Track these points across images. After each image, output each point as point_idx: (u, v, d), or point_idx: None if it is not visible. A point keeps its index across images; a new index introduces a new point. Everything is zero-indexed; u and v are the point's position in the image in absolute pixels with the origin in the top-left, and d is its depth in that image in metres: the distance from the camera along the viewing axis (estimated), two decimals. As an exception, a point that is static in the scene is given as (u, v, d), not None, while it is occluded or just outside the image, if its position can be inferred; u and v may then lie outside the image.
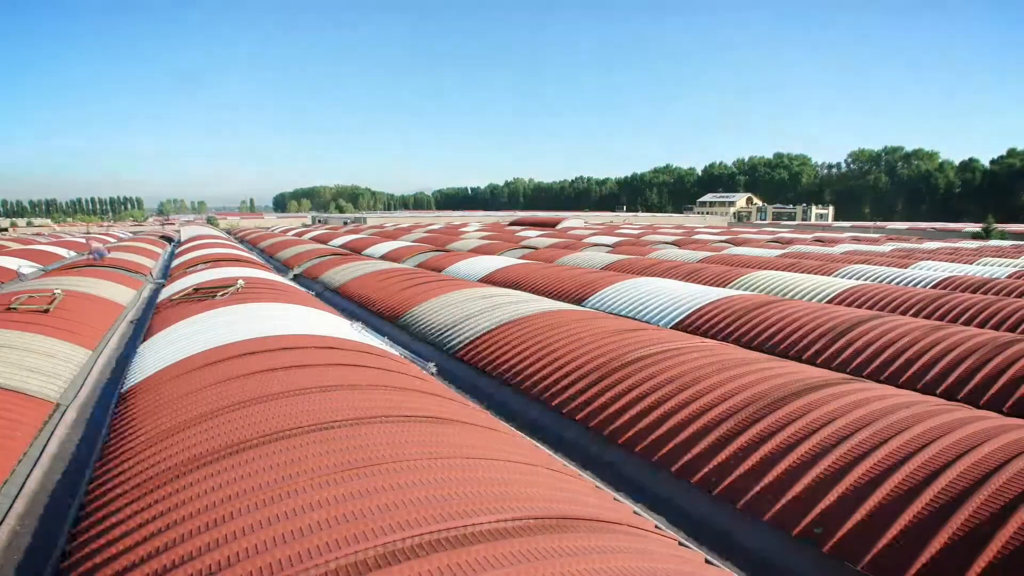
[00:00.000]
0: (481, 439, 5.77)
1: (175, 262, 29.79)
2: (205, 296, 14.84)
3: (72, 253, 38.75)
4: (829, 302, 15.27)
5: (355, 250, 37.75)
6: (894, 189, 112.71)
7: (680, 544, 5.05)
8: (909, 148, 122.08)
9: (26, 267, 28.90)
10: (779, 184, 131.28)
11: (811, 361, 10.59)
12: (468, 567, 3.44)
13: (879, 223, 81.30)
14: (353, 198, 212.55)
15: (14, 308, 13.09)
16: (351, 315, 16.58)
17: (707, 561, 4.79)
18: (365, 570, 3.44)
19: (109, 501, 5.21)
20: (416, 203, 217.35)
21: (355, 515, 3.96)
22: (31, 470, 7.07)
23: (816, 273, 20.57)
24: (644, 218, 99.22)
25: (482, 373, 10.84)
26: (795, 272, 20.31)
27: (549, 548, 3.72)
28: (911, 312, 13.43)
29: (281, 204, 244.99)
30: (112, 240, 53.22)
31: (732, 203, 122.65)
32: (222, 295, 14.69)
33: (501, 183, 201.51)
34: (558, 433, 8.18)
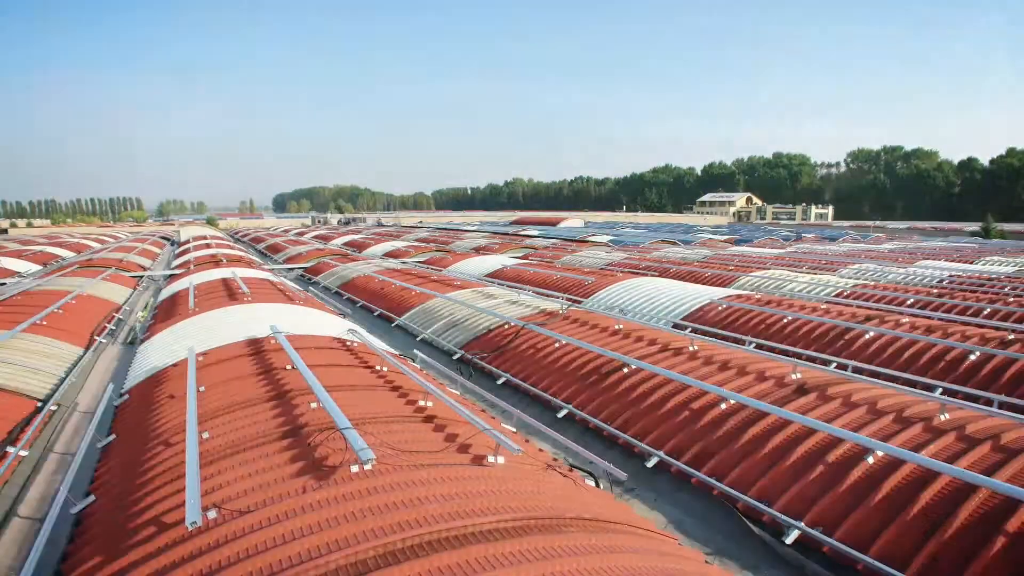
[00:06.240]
0: (480, 439, 5.74)
1: (174, 263, 29.77)
2: (204, 297, 14.81)
3: (70, 254, 38.70)
4: (831, 301, 15.25)
5: (356, 250, 37.73)
6: (894, 189, 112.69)
7: (680, 544, 5.03)
8: (909, 148, 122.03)
9: (24, 268, 28.88)
10: (779, 184, 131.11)
11: (812, 360, 10.56)
12: (468, 567, 3.43)
13: (879, 223, 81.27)
14: (353, 198, 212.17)
15: (12, 309, 13.07)
16: (351, 315, 16.55)
17: (707, 561, 4.77)
18: (365, 570, 3.42)
19: (109, 503, 5.19)
20: (416, 203, 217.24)
21: (355, 515, 3.94)
22: (30, 471, 7.05)
23: (818, 272, 20.54)
24: (644, 218, 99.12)
25: (481, 373, 10.82)
26: (797, 271, 20.28)
27: (549, 548, 3.70)
28: (913, 310, 13.41)
29: (281, 204, 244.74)
30: (111, 241, 53.20)
31: (732, 203, 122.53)
32: (221, 296, 14.67)
33: (501, 183, 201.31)
34: (558, 433, 8.16)
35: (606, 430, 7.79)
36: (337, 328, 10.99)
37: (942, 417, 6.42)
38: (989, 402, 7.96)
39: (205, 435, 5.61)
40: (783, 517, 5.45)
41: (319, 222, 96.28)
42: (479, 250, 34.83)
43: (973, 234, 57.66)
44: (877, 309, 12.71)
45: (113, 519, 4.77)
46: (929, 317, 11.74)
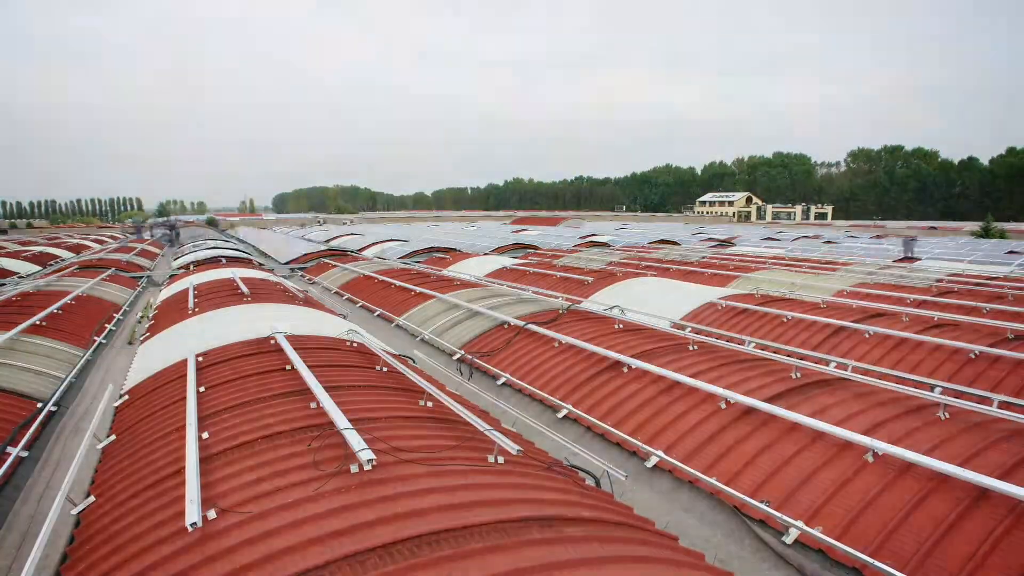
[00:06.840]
0: (480, 439, 5.74)
1: (174, 263, 29.77)
2: (204, 297, 14.81)
3: (69, 254, 38.69)
4: (830, 300, 15.25)
5: (356, 250, 37.74)
6: (894, 189, 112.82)
7: (680, 544, 5.02)
8: (909, 148, 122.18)
9: (23, 268, 28.87)
10: (779, 184, 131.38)
11: (812, 359, 10.56)
12: (468, 567, 3.42)
13: (879, 222, 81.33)
14: (353, 198, 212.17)
15: (11, 310, 13.07)
16: (351, 315, 16.55)
17: (707, 561, 4.76)
18: (364, 570, 3.42)
19: (109, 503, 5.19)
20: (416, 203, 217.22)
21: (354, 515, 3.94)
22: (30, 472, 7.05)
23: (817, 272, 20.54)
24: (644, 218, 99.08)
25: (481, 373, 10.82)
26: (796, 271, 20.29)
27: (549, 548, 3.69)
28: (913, 310, 13.40)
29: (281, 204, 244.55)
30: (111, 242, 53.23)
31: (732, 203, 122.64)
32: (221, 296, 14.66)
33: (501, 183, 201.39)
34: (558, 433, 8.15)
35: (606, 430, 7.79)
36: (337, 328, 10.99)
37: (942, 416, 6.42)
38: (990, 401, 7.96)
39: (205, 435, 5.61)
40: (783, 517, 5.45)
41: (319, 222, 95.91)
42: (478, 251, 34.83)
43: (973, 234, 57.62)
44: (877, 308, 12.72)
45: (113, 520, 4.77)
46: (929, 316, 11.74)
